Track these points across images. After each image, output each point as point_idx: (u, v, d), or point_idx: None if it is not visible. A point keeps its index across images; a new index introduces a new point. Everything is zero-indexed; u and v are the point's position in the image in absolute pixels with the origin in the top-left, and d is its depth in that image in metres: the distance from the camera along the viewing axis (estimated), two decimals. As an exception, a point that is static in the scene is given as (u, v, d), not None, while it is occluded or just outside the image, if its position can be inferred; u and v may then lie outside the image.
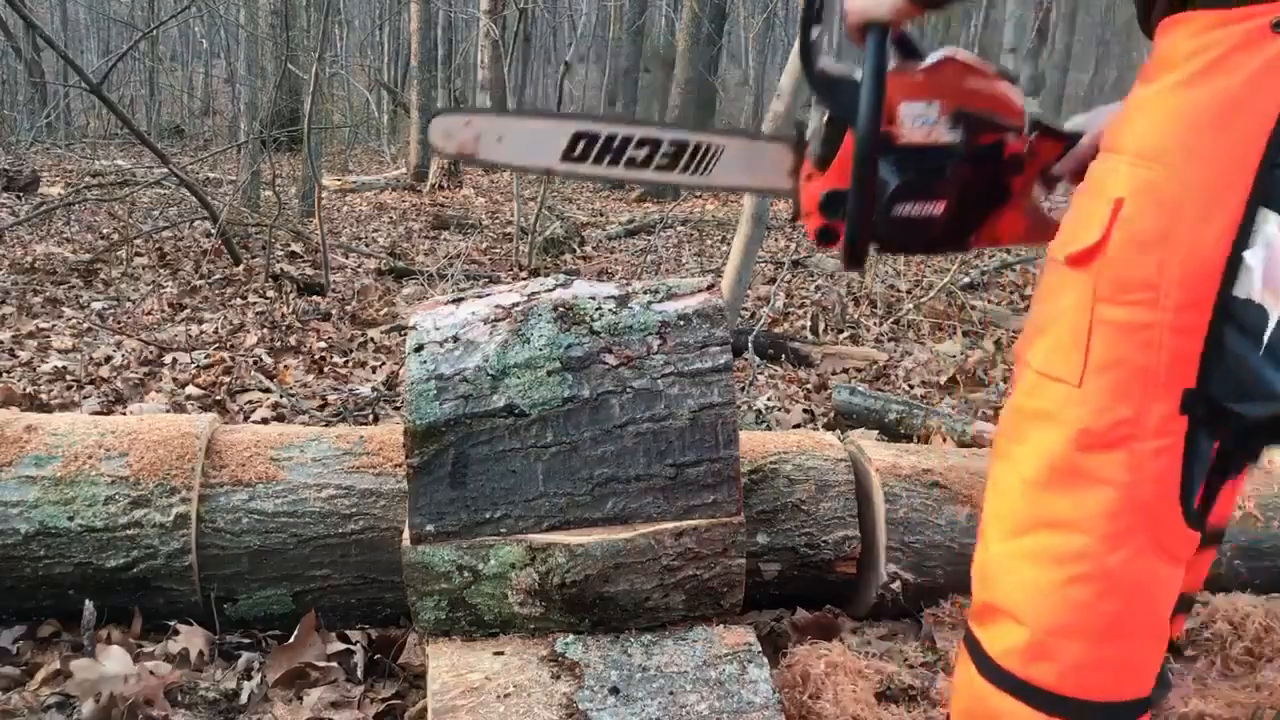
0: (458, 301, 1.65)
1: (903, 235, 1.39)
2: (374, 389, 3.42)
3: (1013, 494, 1.03)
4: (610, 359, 1.55)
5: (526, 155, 1.57)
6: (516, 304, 1.60)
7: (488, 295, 1.66)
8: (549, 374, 1.53)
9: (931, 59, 1.39)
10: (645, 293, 1.62)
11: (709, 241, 8.34)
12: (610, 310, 1.59)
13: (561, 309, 1.58)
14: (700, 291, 1.61)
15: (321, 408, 3.21)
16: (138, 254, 5.97)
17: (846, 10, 1.32)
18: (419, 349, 1.56)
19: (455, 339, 1.56)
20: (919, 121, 1.35)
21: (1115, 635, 1.00)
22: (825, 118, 1.41)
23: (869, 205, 1.34)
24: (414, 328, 1.59)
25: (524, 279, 4.50)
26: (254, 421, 3.00)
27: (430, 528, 1.52)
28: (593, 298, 1.60)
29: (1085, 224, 0.98)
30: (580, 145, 1.54)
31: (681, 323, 1.58)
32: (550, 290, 1.64)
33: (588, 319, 1.57)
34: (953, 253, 1.49)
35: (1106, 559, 0.98)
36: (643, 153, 1.53)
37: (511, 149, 1.55)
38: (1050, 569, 1.00)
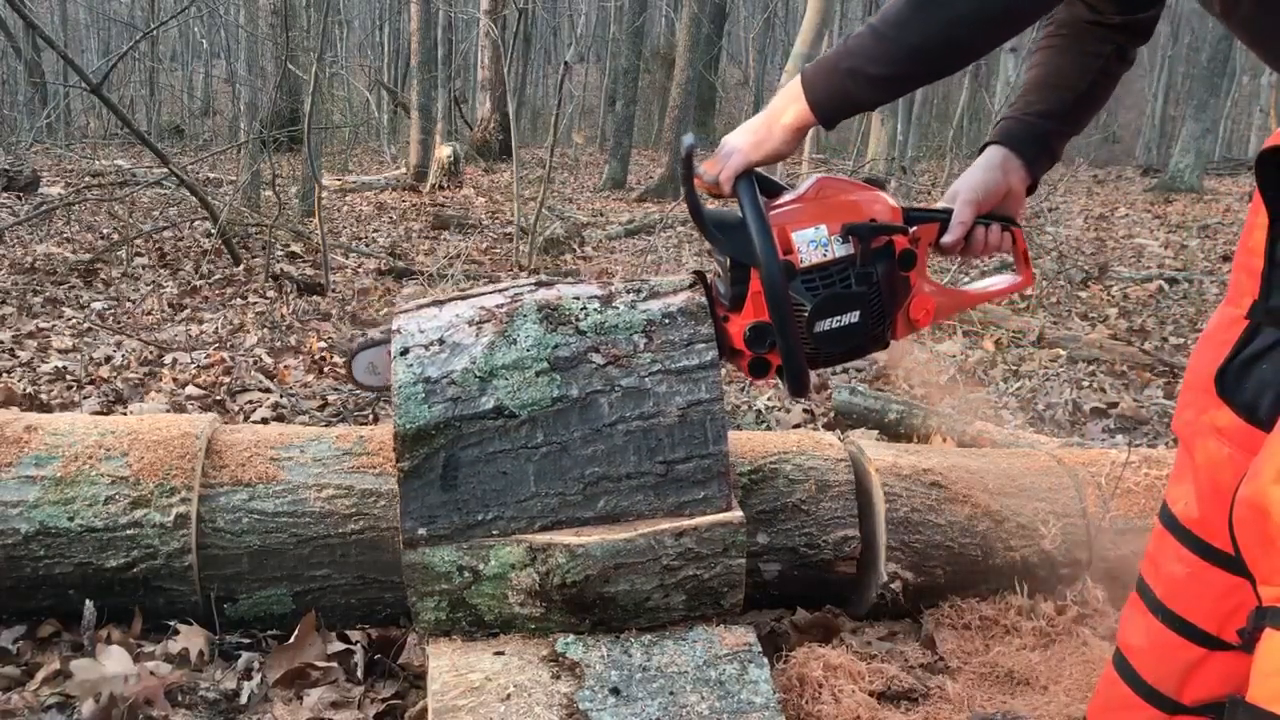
0: (439, 304, 1.64)
1: (829, 348, 1.52)
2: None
3: None
4: (598, 358, 1.55)
5: None
6: (500, 305, 1.59)
7: (470, 297, 1.66)
8: (537, 374, 1.53)
9: (804, 186, 1.52)
10: (629, 292, 1.62)
11: (709, 241, 8.31)
12: (595, 310, 1.58)
13: (547, 309, 1.58)
14: (683, 290, 1.61)
15: (321, 408, 3.21)
16: (138, 254, 5.97)
17: (728, 162, 1.43)
18: (405, 352, 1.55)
19: (441, 341, 1.56)
20: (813, 245, 1.47)
21: None
22: (728, 262, 1.52)
23: (795, 331, 1.47)
24: (398, 331, 1.58)
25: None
26: (254, 421, 3.00)
27: (422, 531, 1.51)
28: (577, 297, 1.60)
29: None
30: None
31: (667, 321, 1.58)
32: (533, 291, 1.63)
33: (574, 319, 1.57)
34: (878, 352, 1.60)
35: None
36: None
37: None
38: None
